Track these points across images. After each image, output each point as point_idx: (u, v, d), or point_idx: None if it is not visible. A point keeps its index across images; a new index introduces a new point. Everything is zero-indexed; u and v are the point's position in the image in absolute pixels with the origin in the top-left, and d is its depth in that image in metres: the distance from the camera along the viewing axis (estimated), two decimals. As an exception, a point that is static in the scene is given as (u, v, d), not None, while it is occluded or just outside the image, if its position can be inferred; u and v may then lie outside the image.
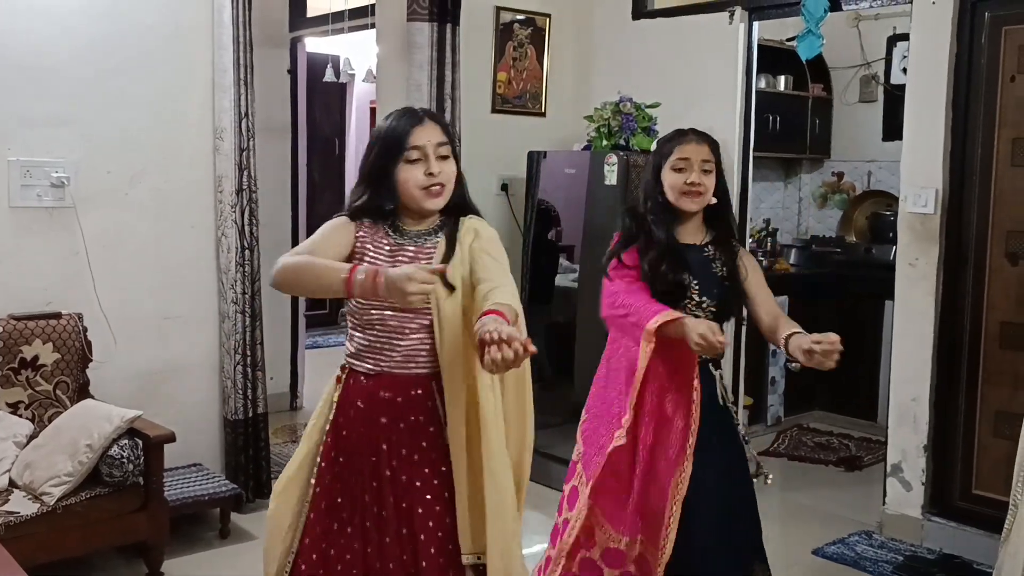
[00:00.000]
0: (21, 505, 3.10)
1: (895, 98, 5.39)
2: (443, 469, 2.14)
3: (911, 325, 3.89)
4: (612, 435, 2.52)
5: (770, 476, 2.56)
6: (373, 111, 7.97)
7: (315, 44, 6.23)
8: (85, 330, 3.60)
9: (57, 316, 3.53)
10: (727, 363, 4.56)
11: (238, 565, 3.57)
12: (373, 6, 4.88)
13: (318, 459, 2.20)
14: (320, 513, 2.18)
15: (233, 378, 4.00)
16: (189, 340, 4.01)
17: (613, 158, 4.23)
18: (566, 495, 2.70)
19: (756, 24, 4.51)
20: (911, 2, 3.85)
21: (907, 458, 3.91)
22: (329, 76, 6.04)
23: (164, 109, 3.89)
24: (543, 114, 5.17)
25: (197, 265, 4.01)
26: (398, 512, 2.12)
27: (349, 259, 2.14)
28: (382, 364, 2.14)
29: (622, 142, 4.39)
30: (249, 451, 4.04)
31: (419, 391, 2.14)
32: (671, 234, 2.58)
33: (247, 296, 3.96)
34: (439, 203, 2.14)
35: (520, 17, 5.02)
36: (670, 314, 2.39)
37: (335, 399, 2.21)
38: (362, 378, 2.17)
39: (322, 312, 7.93)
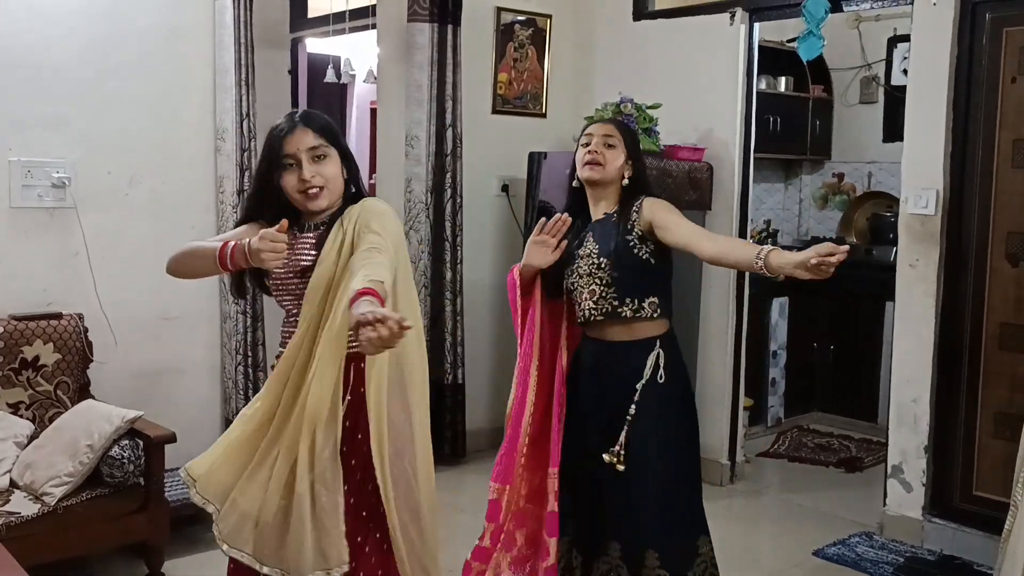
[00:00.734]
0: (22, 505, 3.10)
1: (896, 99, 5.39)
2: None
3: (911, 326, 3.90)
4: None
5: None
6: (374, 112, 7.95)
7: (316, 45, 6.25)
8: (86, 330, 3.60)
9: (58, 316, 3.54)
10: (726, 363, 4.57)
11: (238, 565, 3.56)
12: (374, 7, 4.88)
13: None
14: None
15: (234, 378, 4.00)
16: (190, 340, 4.01)
17: (614, 159, 4.22)
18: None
19: (757, 25, 4.52)
20: (912, 3, 3.85)
21: (907, 459, 3.91)
22: (330, 77, 6.05)
23: (165, 109, 3.89)
24: (544, 115, 5.17)
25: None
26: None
27: None
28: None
29: (623, 143, 4.38)
30: (249, 451, 4.04)
31: None
32: (569, 205, 2.71)
33: (248, 296, 3.96)
34: (320, 204, 2.22)
35: (521, 18, 5.02)
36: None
37: None
38: None
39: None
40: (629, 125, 2.78)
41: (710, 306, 4.59)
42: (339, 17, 5.31)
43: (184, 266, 2.27)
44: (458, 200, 4.64)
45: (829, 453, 5.21)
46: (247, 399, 4.00)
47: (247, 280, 2.37)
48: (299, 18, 5.65)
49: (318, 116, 2.25)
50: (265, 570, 2.12)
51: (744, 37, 4.47)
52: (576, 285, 2.63)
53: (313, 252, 2.21)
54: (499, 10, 4.93)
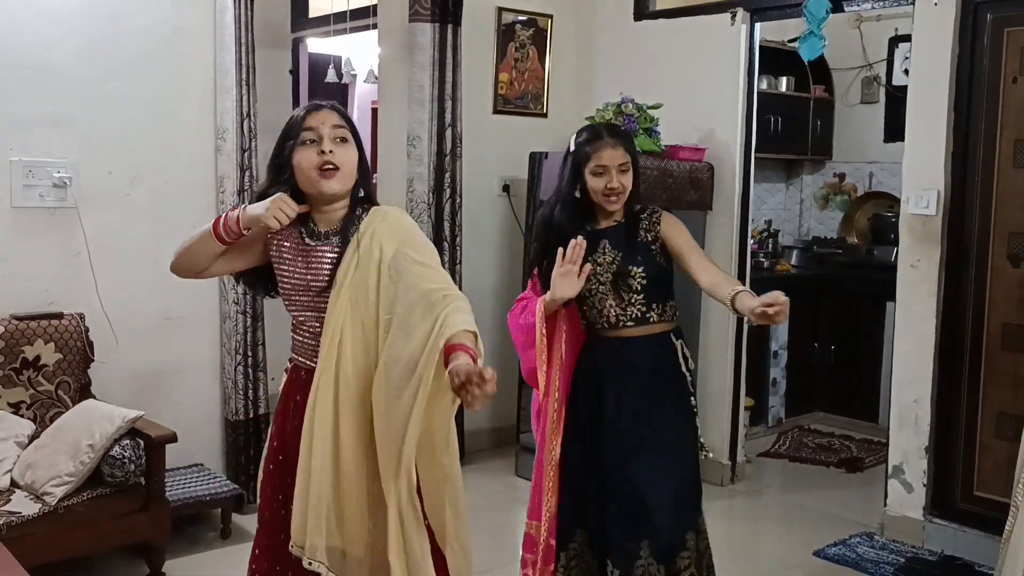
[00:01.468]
0: (23, 505, 3.10)
1: (897, 99, 5.39)
2: None
3: (912, 326, 3.89)
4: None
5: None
6: (375, 112, 7.94)
7: (317, 45, 6.25)
8: (87, 330, 3.60)
9: (59, 316, 3.54)
10: (727, 363, 4.57)
11: (239, 565, 3.51)
12: (375, 7, 4.89)
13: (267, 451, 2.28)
14: (267, 503, 2.26)
15: (234, 379, 4.00)
16: (190, 340, 4.01)
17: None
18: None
19: (758, 25, 4.52)
20: (913, 3, 3.85)
21: (908, 459, 3.91)
22: (331, 77, 6.05)
23: (165, 109, 3.89)
24: (545, 115, 5.17)
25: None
26: None
27: (266, 257, 2.21)
28: (313, 361, 2.16)
29: (623, 143, 4.38)
30: (250, 451, 4.04)
31: None
32: (569, 228, 2.67)
33: (248, 297, 3.96)
34: (333, 186, 2.11)
35: (522, 18, 5.02)
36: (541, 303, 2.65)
37: (279, 391, 2.30)
38: (303, 373, 2.20)
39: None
40: (628, 131, 2.77)
41: (711, 306, 4.58)
42: (340, 17, 5.32)
43: (185, 258, 2.23)
44: (458, 200, 4.64)
45: (830, 453, 5.21)
46: (247, 399, 4.01)
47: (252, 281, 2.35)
48: (300, 18, 5.66)
49: (344, 109, 2.24)
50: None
51: (745, 37, 4.47)
52: (596, 292, 2.68)
53: (328, 268, 2.13)
54: (500, 10, 4.93)
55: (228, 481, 3.91)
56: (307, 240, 2.17)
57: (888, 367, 4.42)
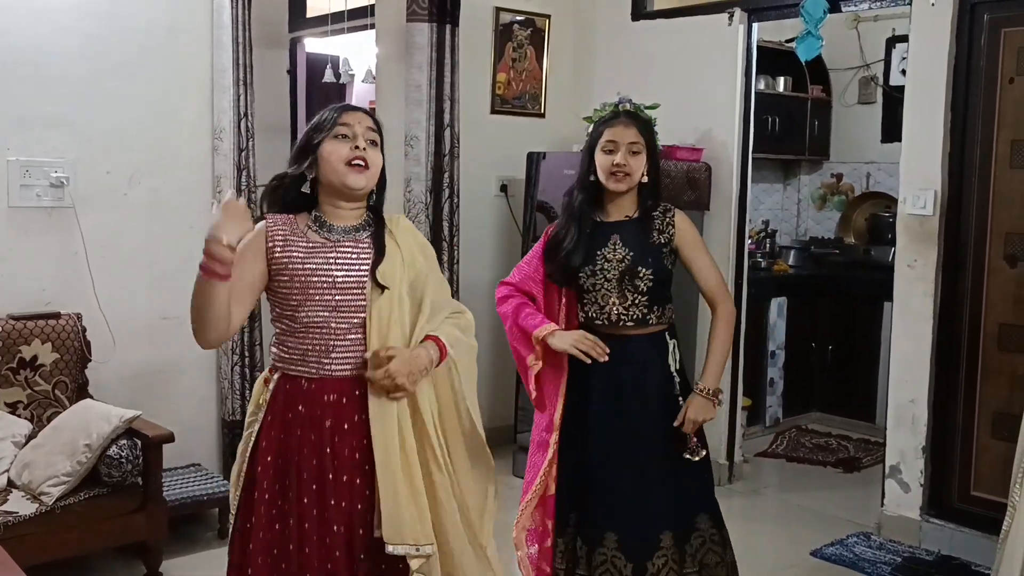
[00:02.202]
0: (20, 505, 3.10)
1: (894, 100, 5.40)
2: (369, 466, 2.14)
3: (910, 326, 3.90)
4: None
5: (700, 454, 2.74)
6: (373, 112, 7.97)
7: (314, 44, 6.23)
8: (84, 330, 3.60)
9: (56, 316, 3.53)
10: (730, 363, 4.57)
11: (236, 565, 3.56)
12: (372, 7, 4.88)
13: (245, 465, 2.24)
14: (262, 518, 2.18)
15: (231, 379, 4.00)
16: (187, 341, 3.92)
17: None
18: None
19: (755, 25, 4.52)
20: (910, 4, 3.85)
21: (905, 459, 3.91)
22: (328, 77, 6.03)
23: (163, 109, 3.89)
24: (542, 115, 5.17)
25: (196, 265, 3.99)
26: (339, 511, 2.10)
27: (267, 260, 2.12)
28: (324, 368, 2.10)
29: (621, 143, 4.39)
30: (248, 451, 4.04)
31: (358, 391, 2.12)
32: (584, 212, 2.68)
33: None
34: (360, 181, 2.11)
35: (520, 18, 5.02)
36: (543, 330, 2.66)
37: (261, 402, 2.18)
38: (302, 382, 2.12)
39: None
40: (648, 119, 2.74)
41: (708, 306, 4.59)
42: (338, 17, 5.30)
43: (196, 313, 2.09)
44: (455, 200, 4.63)
45: (827, 453, 5.22)
46: (244, 399, 4.01)
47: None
48: (298, 18, 5.65)
49: (377, 118, 2.23)
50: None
51: (743, 37, 4.47)
52: (599, 287, 2.65)
53: (360, 264, 2.11)
54: (498, 10, 4.93)
55: (225, 481, 3.91)
56: (327, 236, 2.13)
57: (885, 367, 4.44)
